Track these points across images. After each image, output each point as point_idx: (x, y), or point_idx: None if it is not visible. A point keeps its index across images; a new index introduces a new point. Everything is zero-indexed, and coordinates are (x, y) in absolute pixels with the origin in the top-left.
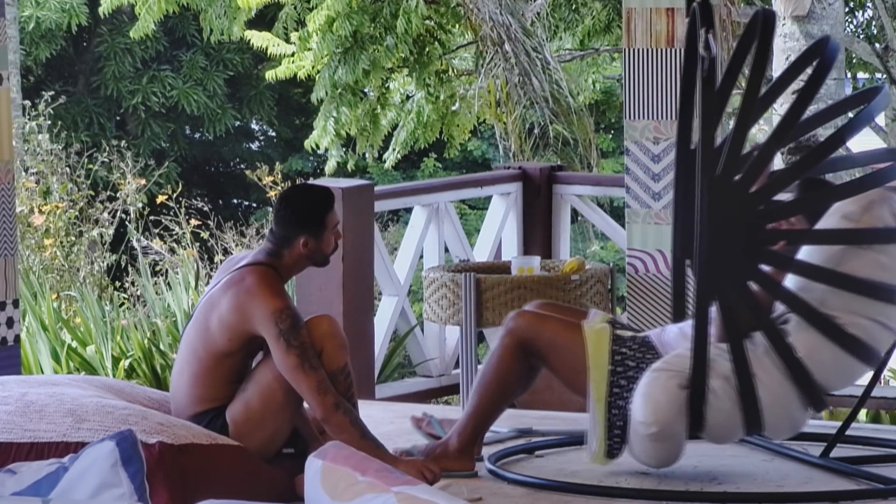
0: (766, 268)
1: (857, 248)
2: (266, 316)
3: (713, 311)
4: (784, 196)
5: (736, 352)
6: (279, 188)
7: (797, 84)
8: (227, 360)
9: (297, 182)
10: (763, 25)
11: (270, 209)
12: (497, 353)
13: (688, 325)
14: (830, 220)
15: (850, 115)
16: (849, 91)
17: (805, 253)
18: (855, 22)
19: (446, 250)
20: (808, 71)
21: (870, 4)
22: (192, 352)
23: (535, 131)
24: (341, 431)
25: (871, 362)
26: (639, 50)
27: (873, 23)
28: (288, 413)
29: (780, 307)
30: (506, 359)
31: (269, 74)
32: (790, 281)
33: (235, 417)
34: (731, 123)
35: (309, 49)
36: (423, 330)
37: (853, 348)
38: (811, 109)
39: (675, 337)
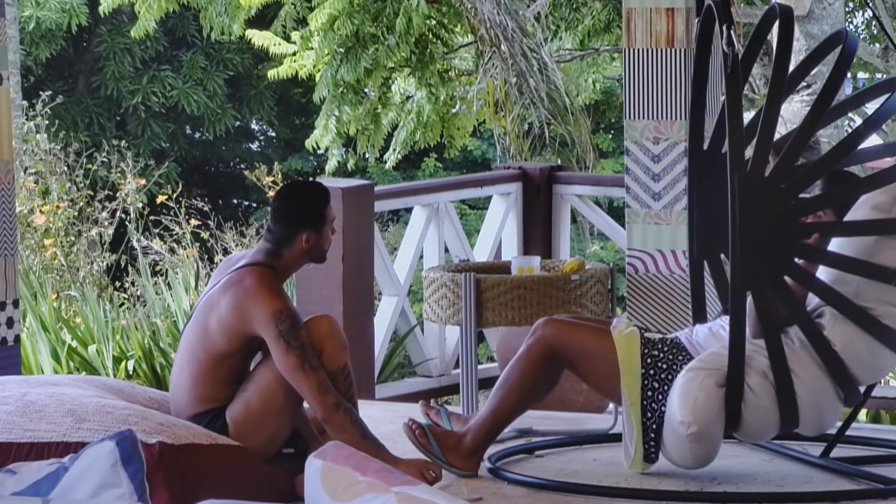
0: (798, 262)
1: (890, 238)
2: (265, 317)
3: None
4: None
5: (773, 347)
6: (278, 188)
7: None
8: (227, 361)
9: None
10: (783, 21)
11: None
12: (523, 360)
13: (717, 325)
14: (860, 211)
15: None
16: (849, 91)
17: (837, 245)
18: (855, 22)
19: (446, 250)
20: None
21: (870, 5)
22: (192, 352)
23: (535, 131)
24: (342, 431)
25: None
26: (639, 50)
27: (873, 23)
28: (288, 413)
29: (812, 301)
30: (532, 366)
31: (272, 74)
32: (822, 275)
33: (235, 417)
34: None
35: (310, 48)
36: (423, 330)
37: (889, 340)
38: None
39: (705, 337)
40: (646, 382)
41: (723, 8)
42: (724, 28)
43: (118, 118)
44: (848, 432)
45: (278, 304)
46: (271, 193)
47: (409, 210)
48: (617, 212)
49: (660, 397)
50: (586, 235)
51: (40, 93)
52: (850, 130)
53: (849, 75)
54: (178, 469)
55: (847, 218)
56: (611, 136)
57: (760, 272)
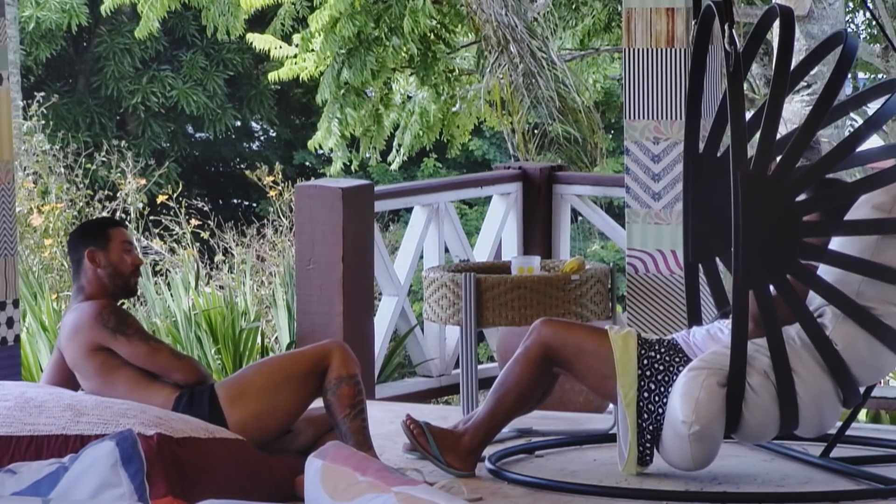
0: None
1: (891, 238)
2: (92, 324)
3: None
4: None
5: (775, 346)
6: (279, 188)
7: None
8: (111, 356)
9: (300, 180)
10: (784, 21)
11: (271, 209)
12: (521, 362)
13: (714, 328)
14: (860, 210)
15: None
16: (849, 91)
17: (838, 245)
18: (855, 21)
19: (446, 250)
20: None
21: (870, 5)
22: (110, 391)
23: (547, 130)
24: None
25: None
26: (639, 50)
27: (873, 23)
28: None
29: (814, 301)
30: (530, 367)
31: (273, 77)
32: (824, 275)
33: (227, 384)
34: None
35: (311, 50)
36: (423, 330)
37: (891, 340)
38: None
39: (703, 339)
40: (642, 383)
41: (724, 7)
42: (727, 27)
43: (118, 118)
44: (848, 432)
45: (95, 308)
46: (272, 193)
47: (409, 210)
48: (617, 212)
49: (656, 398)
50: (588, 235)
51: (35, 94)
52: (850, 130)
53: (849, 75)
54: (176, 460)
55: (848, 217)
56: (611, 136)
57: (763, 271)
